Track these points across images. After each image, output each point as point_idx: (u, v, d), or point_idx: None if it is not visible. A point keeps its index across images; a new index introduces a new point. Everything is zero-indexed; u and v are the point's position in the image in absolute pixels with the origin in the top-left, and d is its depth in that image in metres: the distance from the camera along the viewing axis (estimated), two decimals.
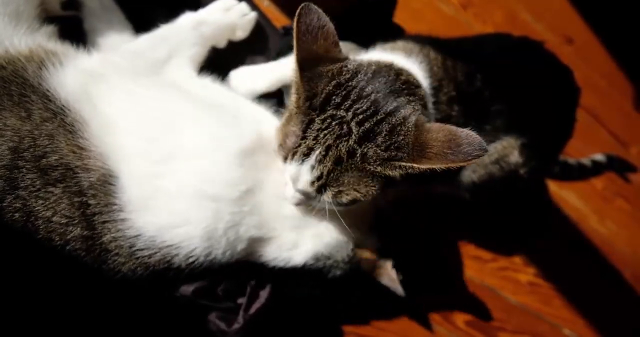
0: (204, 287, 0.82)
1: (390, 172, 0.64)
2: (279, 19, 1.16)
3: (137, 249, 0.70)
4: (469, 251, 1.28)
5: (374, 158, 0.64)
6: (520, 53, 1.03)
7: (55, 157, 0.68)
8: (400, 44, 0.92)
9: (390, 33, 1.24)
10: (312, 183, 0.66)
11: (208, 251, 0.74)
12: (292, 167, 0.68)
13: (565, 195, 1.48)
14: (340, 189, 0.66)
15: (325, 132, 0.65)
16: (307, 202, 0.72)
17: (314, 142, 0.65)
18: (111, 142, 0.71)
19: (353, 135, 0.64)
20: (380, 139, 0.64)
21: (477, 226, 1.31)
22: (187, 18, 0.89)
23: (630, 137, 1.68)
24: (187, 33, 0.87)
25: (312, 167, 0.65)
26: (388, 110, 0.66)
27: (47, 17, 0.87)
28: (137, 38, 0.87)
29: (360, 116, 0.65)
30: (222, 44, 0.94)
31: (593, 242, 1.49)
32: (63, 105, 0.70)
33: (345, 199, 0.67)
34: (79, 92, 0.72)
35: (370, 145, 0.64)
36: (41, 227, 0.68)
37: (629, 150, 1.67)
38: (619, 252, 1.53)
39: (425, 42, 0.91)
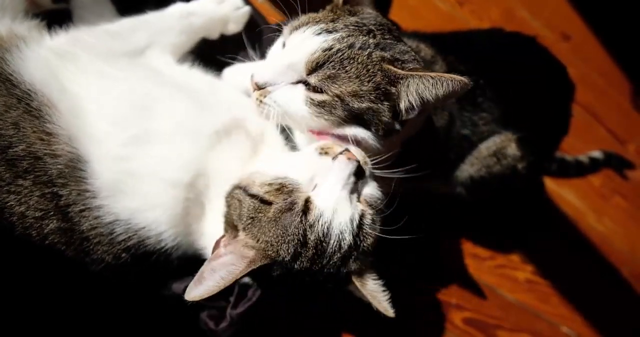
0: None
1: (381, 79, 0.67)
2: (273, 15, 1.16)
3: (117, 234, 0.69)
4: (466, 249, 1.28)
5: (378, 57, 0.68)
6: (512, 47, 1.04)
7: (22, 147, 0.65)
8: None
9: None
10: (314, 53, 0.67)
11: (174, 236, 0.73)
12: (301, 35, 0.70)
13: (563, 192, 1.47)
14: (337, 72, 0.66)
15: (355, 27, 0.70)
16: (274, 85, 0.70)
17: (341, 27, 0.69)
18: (80, 125, 0.68)
19: (374, 39, 0.69)
20: (391, 52, 0.70)
21: (475, 224, 1.31)
22: (178, 7, 0.87)
23: (628, 134, 1.68)
24: (174, 21, 0.85)
25: (325, 41, 0.67)
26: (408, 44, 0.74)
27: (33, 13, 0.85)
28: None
29: (387, 36, 0.72)
30: (213, 36, 0.93)
31: (591, 240, 1.48)
32: (29, 89, 0.67)
33: (332, 89, 0.67)
34: (46, 73, 0.70)
35: (381, 51, 0.69)
36: (17, 223, 0.66)
37: (626, 148, 1.67)
38: (617, 250, 1.52)
39: (416, 36, 0.92)
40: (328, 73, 0.67)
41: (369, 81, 0.67)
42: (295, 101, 0.69)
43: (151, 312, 0.83)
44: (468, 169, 1.00)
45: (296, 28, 0.71)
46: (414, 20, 1.35)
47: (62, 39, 0.76)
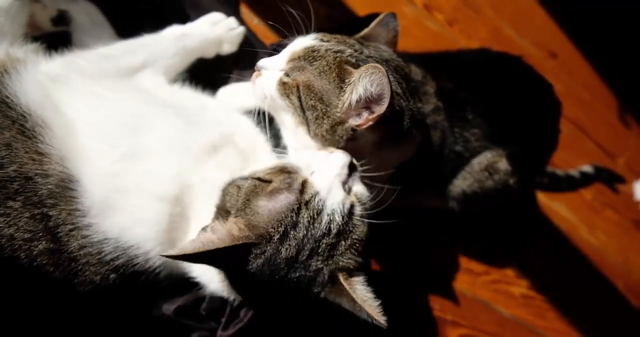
0: (186, 306, 0.80)
1: (336, 75, 0.74)
2: (267, 36, 1.18)
3: (106, 254, 0.69)
4: (461, 264, 1.28)
5: (344, 59, 0.76)
6: (498, 66, 1.07)
7: (13, 168, 0.66)
8: None
9: None
10: (299, 49, 0.78)
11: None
12: (303, 38, 0.81)
13: (555, 206, 1.49)
14: (305, 64, 0.76)
15: (345, 42, 0.80)
16: (267, 70, 0.80)
17: (335, 41, 0.79)
18: (72, 144, 0.69)
19: (356, 52, 0.78)
20: (361, 61, 0.78)
21: (469, 239, 1.31)
22: (173, 29, 0.90)
23: (617, 148, 1.71)
24: (169, 43, 0.87)
25: (313, 42, 0.79)
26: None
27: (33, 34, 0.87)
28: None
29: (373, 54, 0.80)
30: (209, 56, 0.95)
31: (584, 253, 1.49)
32: (24, 111, 0.69)
33: (295, 75, 0.76)
34: (41, 96, 0.72)
35: (352, 58, 0.77)
36: (6, 245, 0.65)
37: (615, 161, 1.70)
38: (611, 263, 1.53)
39: (407, 57, 0.95)
40: (299, 64, 0.77)
41: (326, 78, 0.75)
42: (271, 82, 0.79)
43: (142, 334, 0.82)
44: (461, 184, 1.01)
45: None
46: (404, 39, 1.37)
47: (56, 63, 0.78)
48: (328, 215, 0.67)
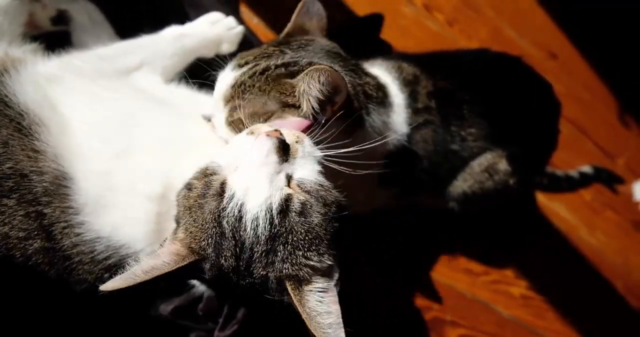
0: (183, 306, 0.80)
1: (276, 93, 0.72)
2: (267, 36, 1.19)
3: (98, 253, 0.69)
4: (460, 264, 1.28)
5: (274, 75, 0.73)
6: (498, 66, 1.07)
7: (8, 165, 0.66)
8: (377, 60, 0.98)
9: (378, 49, 1.27)
10: (226, 90, 0.75)
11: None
12: (224, 72, 0.78)
13: (555, 206, 1.49)
14: (239, 102, 0.73)
15: (264, 54, 0.77)
16: (214, 116, 0.77)
17: (251, 58, 0.77)
18: (67, 142, 0.70)
19: (282, 59, 0.75)
20: (293, 65, 0.74)
21: (469, 239, 1.31)
22: (171, 29, 0.90)
23: (616, 149, 1.71)
24: (167, 43, 0.88)
25: (234, 77, 0.76)
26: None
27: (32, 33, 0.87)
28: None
29: (306, 49, 0.78)
30: (208, 55, 0.95)
31: (584, 254, 1.49)
32: (22, 110, 0.69)
33: (234, 116, 0.73)
34: (39, 95, 0.72)
35: (281, 68, 0.74)
36: (0, 244, 0.65)
37: (615, 162, 1.70)
38: (610, 263, 1.53)
39: (400, 57, 0.96)
40: (234, 104, 0.74)
41: (267, 100, 0.72)
42: (222, 126, 0.76)
43: (140, 334, 0.82)
44: (461, 185, 1.02)
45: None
46: (404, 39, 1.38)
47: (53, 64, 0.78)
48: (250, 220, 0.57)
